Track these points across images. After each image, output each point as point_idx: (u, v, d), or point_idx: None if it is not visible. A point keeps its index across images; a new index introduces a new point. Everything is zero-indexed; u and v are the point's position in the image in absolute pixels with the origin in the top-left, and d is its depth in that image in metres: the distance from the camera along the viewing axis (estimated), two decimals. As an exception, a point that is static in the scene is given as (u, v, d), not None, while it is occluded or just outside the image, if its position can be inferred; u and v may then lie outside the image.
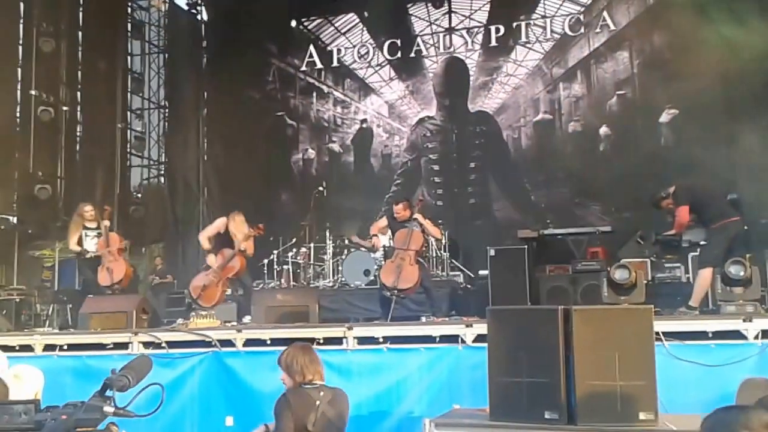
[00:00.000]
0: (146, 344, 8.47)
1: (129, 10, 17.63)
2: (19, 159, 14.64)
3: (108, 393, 2.91)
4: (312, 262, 13.98)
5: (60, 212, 14.84)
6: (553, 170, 15.48)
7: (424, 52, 16.60)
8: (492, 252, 11.32)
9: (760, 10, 12.61)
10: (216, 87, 17.98)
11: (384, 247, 11.87)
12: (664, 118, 14.47)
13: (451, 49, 16.42)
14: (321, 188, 14.55)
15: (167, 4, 18.29)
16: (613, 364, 4.68)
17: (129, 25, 17.66)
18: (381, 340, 7.79)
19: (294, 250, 14.05)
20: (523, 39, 15.94)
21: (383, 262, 10.96)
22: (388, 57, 16.77)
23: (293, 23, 17.37)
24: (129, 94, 17.53)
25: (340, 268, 13.47)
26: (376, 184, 16.41)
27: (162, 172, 18.34)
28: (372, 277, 12.45)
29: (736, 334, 6.93)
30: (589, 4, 15.49)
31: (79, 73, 16.17)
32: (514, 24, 15.98)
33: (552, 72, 15.78)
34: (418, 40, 16.60)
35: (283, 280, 13.64)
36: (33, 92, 14.73)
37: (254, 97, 17.69)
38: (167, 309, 12.71)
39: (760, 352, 6.70)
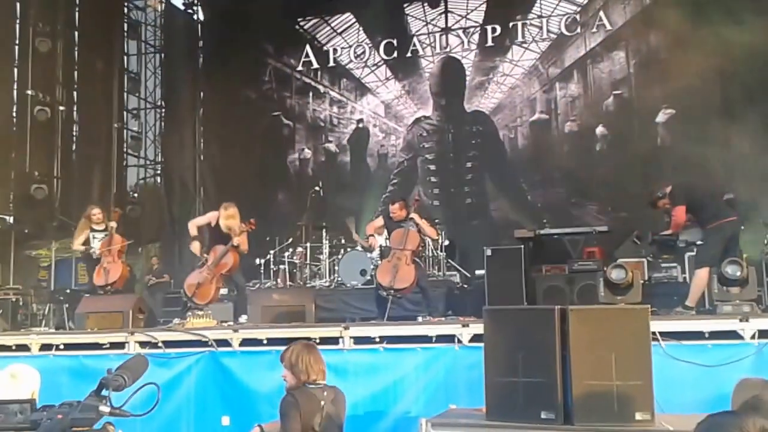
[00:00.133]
0: (143, 344, 8.46)
1: (125, 9, 17.62)
2: (16, 159, 14.63)
3: (104, 392, 2.90)
4: (308, 261, 13.96)
5: (56, 212, 14.85)
6: (549, 170, 15.49)
7: (421, 52, 16.61)
8: (488, 252, 11.30)
9: (755, 9, 12.62)
10: (212, 87, 17.99)
11: (380, 246, 11.88)
12: (661, 117, 14.49)
13: (448, 49, 16.43)
14: (317, 188, 14.57)
15: (163, 4, 18.31)
16: (609, 364, 4.69)
17: (125, 25, 17.66)
18: (377, 339, 7.78)
19: (290, 249, 14.05)
20: (520, 39, 15.95)
21: (379, 262, 10.96)
22: (385, 57, 16.78)
23: (289, 23, 17.35)
24: (125, 93, 17.54)
25: (336, 267, 13.45)
26: (372, 184, 16.39)
27: (158, 171, 18.34)
28: (368, 277, 12.44)
29: (733, 334, 6.92)
30: (586, 4, 15.51)
31: (76, 73, 16.15)
32: (511, 24, 15.99)
33: (548, 72, 15.79)
34: (415, 39, 16.61)
35: (279, 280, 13.65)
36: (29, 92, 14.71)
37: (250, 96, 17.70)
38: (164, 309, 12.72)
39: (756, 352, 6.69)
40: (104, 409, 2.87)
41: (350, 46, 17.06)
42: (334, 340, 7.86)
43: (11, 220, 14.69)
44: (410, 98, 16.66)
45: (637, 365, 4.73)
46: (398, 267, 9.91)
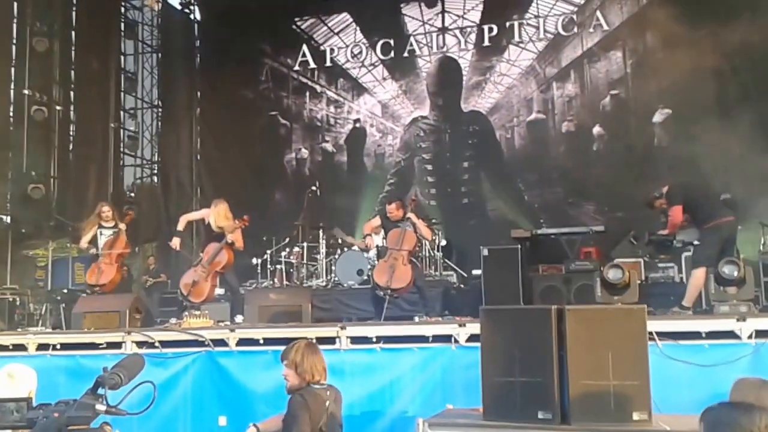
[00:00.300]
0: (139, 344, 8.46)
1: (122, 9, 17.59)
2: (13, 158, 14.59)
3: (100, 391, 2.91)
4: (305, 261, 13.95)
5: (53, 212, 14.81)
6: (546, 170, 15.48)
7: (417, 52, 16.60)
8: (485, 252, 11.30)
9: (752, 9, 12.64)
10: (209, 86, 17.99)
11: (377, 246, 11.88)
12: (658, 117, 14.50)
13: (444, 49, 16.43)
14: (314, 188, 14.54)
15: (160, 4, 18.28)
16: (606, 364, 4.69)
17: (122, 25, 17.62)
18: (374, 339, 7.79)
19: (287, 249, 14.03)
20: (517, 39, 15.95)
21: (376, 262, 10.96)
22: (381, 57, 16.77)
23: (286, 23, 17.35)
24: (122, 93, 17.51)
25: (333, 267, 13.45)
26: (369, 183, 16.39)
27: (155, 171, 18.30)
28: (365, 277, 12.45)
29: (730, 334, 6.93)
30: (583, 4, 15.51)
31: (73, 72, 16.11)
32: (507, 24, 15.99)
33: (545, 72, 15.79)
34: (411, 39, 16.60)
35: (276, 280, 13.64)
36: (26, 92, 14.67)
37: (247, 96, 17.67)
38: (160, 308, 12.69)
39: (753, 352, 6.70)
40: (100, 407, 2.88)
41: (347, 46, 17.05)
42: (330, 340, 7.85)
43: (8, 219, 14.65)
44: (407, 98, 16.66)
45: (634, 365, 4.73)
46: (395, 267, 9.91)
